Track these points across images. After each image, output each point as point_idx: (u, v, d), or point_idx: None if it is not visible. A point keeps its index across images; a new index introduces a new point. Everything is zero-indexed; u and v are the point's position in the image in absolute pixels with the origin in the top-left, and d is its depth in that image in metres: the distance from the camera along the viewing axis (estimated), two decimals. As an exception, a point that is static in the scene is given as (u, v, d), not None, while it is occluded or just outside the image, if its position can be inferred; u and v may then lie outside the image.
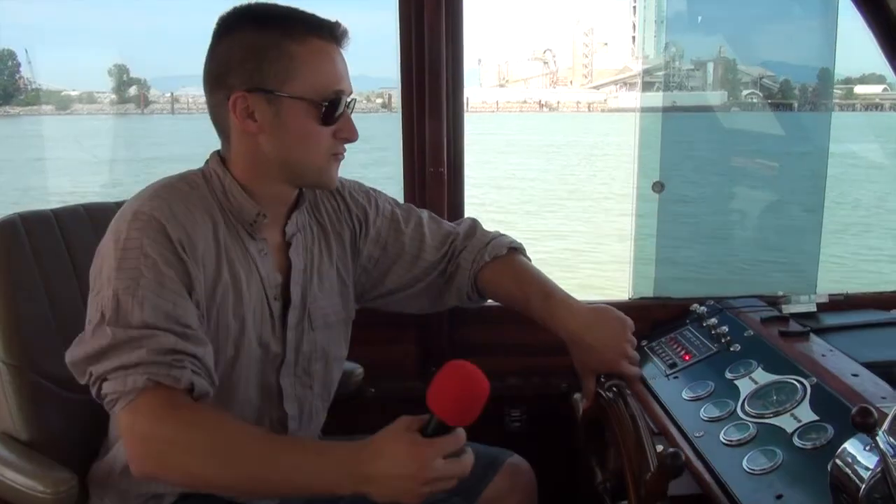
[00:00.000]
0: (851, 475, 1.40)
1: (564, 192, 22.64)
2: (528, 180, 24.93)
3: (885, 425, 1.44)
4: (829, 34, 3.06)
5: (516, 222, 16.88)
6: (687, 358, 2.38)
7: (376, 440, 1.46)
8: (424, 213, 2.12)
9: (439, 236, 2.09)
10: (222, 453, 1.50)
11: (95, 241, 1.99)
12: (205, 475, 1.51)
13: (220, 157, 1.77)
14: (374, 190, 2.09)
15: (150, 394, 1.49)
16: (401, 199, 2.64)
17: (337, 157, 1.76)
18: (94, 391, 1.55)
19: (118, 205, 2.14)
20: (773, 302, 2.62)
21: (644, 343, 2.59)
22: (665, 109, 3.67)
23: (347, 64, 1.74)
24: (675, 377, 2.32)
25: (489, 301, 2.12)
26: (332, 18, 1.71)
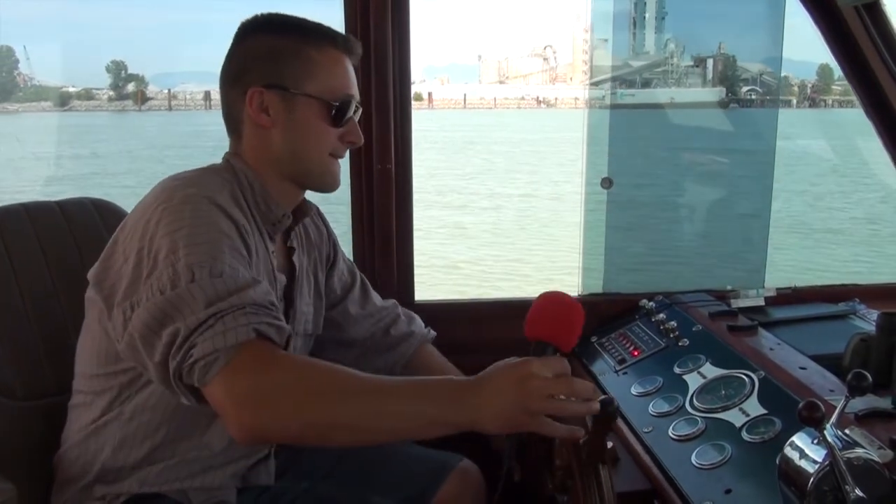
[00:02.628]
0: (800, 468, 1.40)
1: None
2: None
3: (833, 418, 1.44)
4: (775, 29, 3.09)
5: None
6: (636, 353, 2.39)
7: (482, 373, 1.47)
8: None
9: (381, 310, 2.28)
10: (335, 393, 1.45)
11: (36, 242, 1.94)
12: (322, 418, 1.45)
13: (236, 155, 1.83)
14: None
15: (251, 347, 1.45)
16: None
17: (337, 158, 1.85)
18: (174, 362, 1.45)
19: (59, 204, 2.11)
20: (722, 296, 2.64)
21: (594, 339, 2.59)
22: (613, 106, 3.66)
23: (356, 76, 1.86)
24: (625, 373, 2.32)
25: (443, 297, 2.16)
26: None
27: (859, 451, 1.39)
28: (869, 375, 1.48)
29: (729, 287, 2.66)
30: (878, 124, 2.75)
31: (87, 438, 1.76)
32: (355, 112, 1.84)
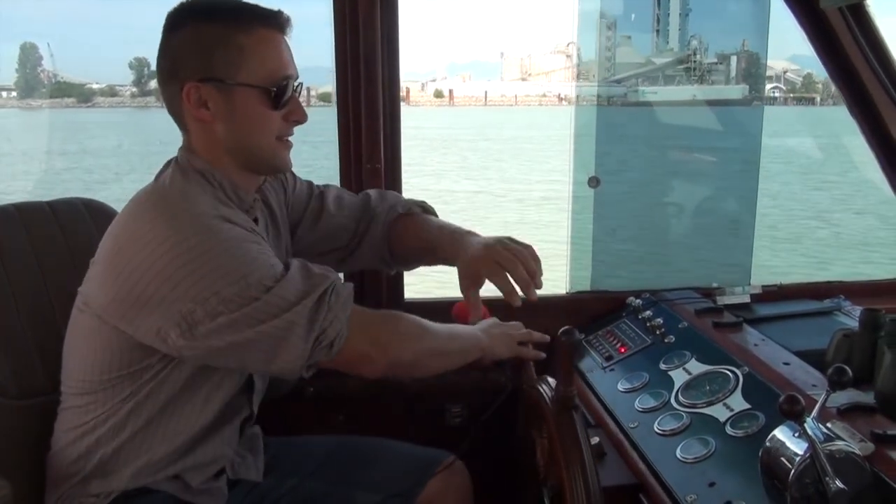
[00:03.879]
0: (781, 461, 1.42)
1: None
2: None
3: (814, 412, 1.47)
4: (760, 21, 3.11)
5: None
6: (623, 350, 2.41)
7: (485, 327, 2.01)
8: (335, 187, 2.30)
9: (356, 198, 2.25)
10: (418, 328, 1.85)
11: (28, 242, 1.95)
12: (425, 346, 1.85)
13: (190, 150, 1.81)
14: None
15: (353, 311, 1.72)
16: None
17: (285, 141, 1.83)
18: (309, 349, 1.65)
19: (50, 204, 2.12)
20: (708, 294, 2.66)
21: (582, 336, 2.60)
22: (601, 104, 3.68)
23: (291, 49, 1.81)
24: (612, 369, 2.34)
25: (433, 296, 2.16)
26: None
27: (840, 444, 1.42)
28: (849, 370, 1.50)
29: (715, 284, 2.68)
30: (862, 123, 2.78)
31: (81, 438, 1.77)
32: (296, 90, 1.80)
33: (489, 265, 1.91)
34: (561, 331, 1.66)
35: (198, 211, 1.66)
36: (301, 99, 1.83)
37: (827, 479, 1.33)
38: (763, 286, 2.71)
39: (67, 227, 2.10)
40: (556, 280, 2.65)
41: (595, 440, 1.87)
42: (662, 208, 3.40)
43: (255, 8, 1.76)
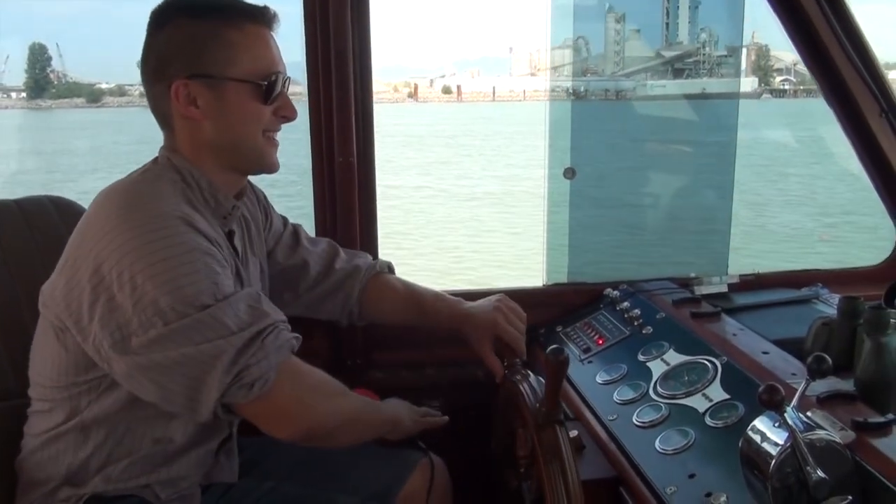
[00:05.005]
0: (761, 451, 1.41)
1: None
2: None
3: (794, 401, 1.45)
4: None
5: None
6: (601, 342, 2.39)
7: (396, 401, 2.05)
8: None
9: (321, 240, 2.29)
10: (343, 392, 1.81)
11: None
12: (346, 411, 1.81)
13: (174, 149, 1.79)
14: None
15: (287, 363, 1.65)
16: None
17: (272, 139, 1.82)
18: (222, 385, 1.57)
19: (18, 203, 2.08)
20: (686, 284, 2.64)
21: (559, 328, 2.59)
22: (576, 97, 3.67)
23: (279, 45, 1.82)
24: (590, 362, 2.32)
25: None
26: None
27: (820, 432, 1.41)
28: (828, 358, 1.49)
29: (692, 274, 2.67)
30: (839, 112, 2.78)
31: (48, 444, 1.74)
32: (284, 85, 1.79)
33: (502, 326, 2.02)
34: (549, 350, 1.58)
35: (157, 210, 1.62)
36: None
37: (808, 468, 1.32)
38: (740, 275, 2.70)
39: (35, 225, 2.07)
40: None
41: (574, 433, 1.85)
42: (641, 200, 3.40)
43: (243, 4, 1.76)
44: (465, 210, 18.21)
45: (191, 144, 1.76)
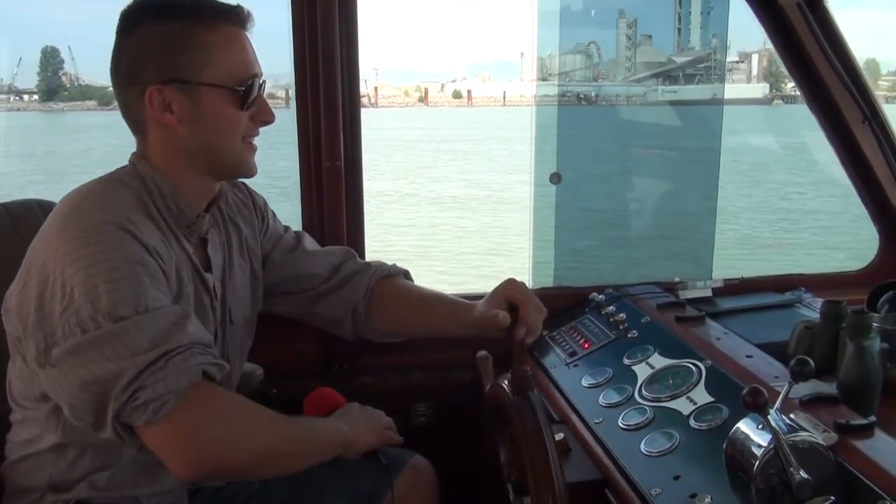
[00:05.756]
0: (745, 453, 1.42)
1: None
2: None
3: (777, 404, 1.46)
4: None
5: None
6: (586, 346, 2.40)
7: (343, 415, 1.91)
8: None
9: (335, 248, 2.20)
10: (268, 427, 1.63)
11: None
12: (262, 450, 1.62)
13: (142, 156, 1.72)
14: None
15: (197, 387, 1.51)
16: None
17: (251, 144, 1.76)
18: (117, 403, 1.45)
19: (5, 206, 2.07)
20: (670, 288, 2.66)
21: (545, 333, 2.59)
22: (561, 103, 3.69)
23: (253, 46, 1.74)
24: (576, 365, 2.33)
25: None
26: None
27: (804, 434, 1.42)
28: (811, 361, 1.51)
29: (677, 279, 2.69)
30: (821, 117, 2.81)
31: (30, 453, 1.70)
32: (260, 88, 1.72)
33: (520, 291, 1.89)
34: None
35: (97, 217, 1.55)
36: (278, 99, 1.79)
37: (791, 469, 1.33)
38: (725, 279, 2.72)
39: (23, 229, 2.05)
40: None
41: (560, 436, 1.86)
42: (625, 204, 3.42)
43: (216, 4, 1.69)
44: (423, 214, 18.17)
45: (164, 150, 1.69)
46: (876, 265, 2.98)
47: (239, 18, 1.69)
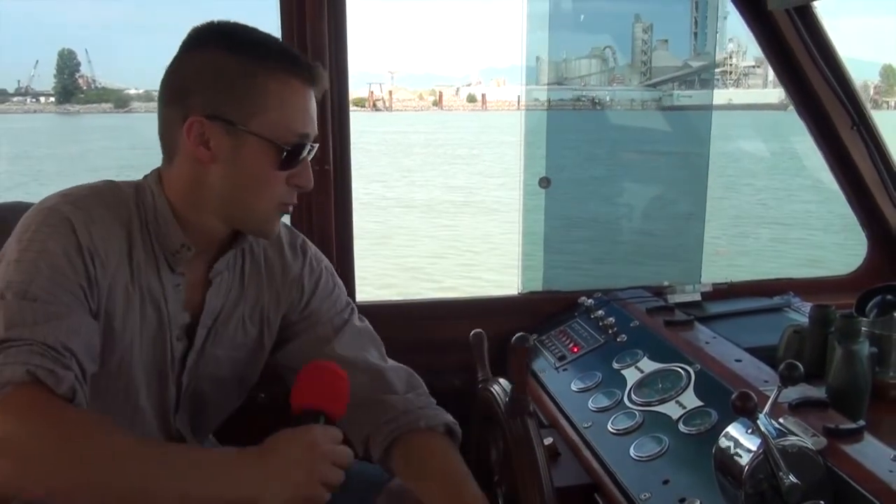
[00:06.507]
0: (735, 457, 1.42)
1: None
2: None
3: (766, 408, 1.46)
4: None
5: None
6: (576, 350, 2.40)
7: (262, 445, 1.37)
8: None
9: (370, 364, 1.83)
10: (93, 457, 1.29)
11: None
12: (70, 482, 1.28)
13: (158, 175, 1.61)
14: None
15: (23, 390, 1.30)
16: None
17: (286, 207, 1.61)
18: None
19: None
20: (659, 292, 2.67)
21: (534, 337, 2.60)
22: (551, 107, 3.69)
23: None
24: (565, 369, 2.33)
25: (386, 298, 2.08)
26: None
27: (793, 438, 1.42)
28: (800, 365, 1.51)
29: (666, 283, 2.69)
30: (810, 123, 2.82)
31: None
32: (309, 152, 1.58)
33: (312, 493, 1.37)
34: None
35: (56, 203, 1.49)
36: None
37: (780, 474, 1.33)
38: (713, 284, 2.73)
39: (10, 231, 2.05)
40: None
41: (549, 441, 1.85)
42: (614, 209, 3.43)
43: (291, 52, 1.57)
44: (384, 218, 18.15)
45: (187, 182, 1.56)
46: (864, 269, 2.99)
47: (309, 74, 1.57)
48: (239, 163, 1.52)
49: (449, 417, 1.75)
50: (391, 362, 1.86)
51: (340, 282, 1.90)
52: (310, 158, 1.59)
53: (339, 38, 2.52)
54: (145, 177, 1.62)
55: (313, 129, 1.58)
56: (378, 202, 20.22)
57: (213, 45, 1.53)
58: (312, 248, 1.90)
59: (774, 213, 17.59)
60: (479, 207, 19.81)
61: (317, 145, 1.61)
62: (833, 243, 11.18)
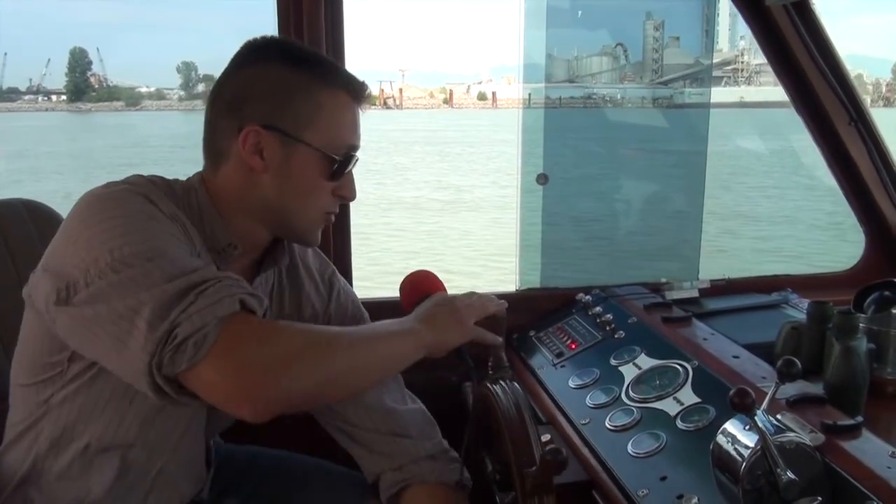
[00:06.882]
0: (732, 454, 1.41)
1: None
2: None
3: (764, 404, 1.46)
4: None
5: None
6: (573, 346, 2.40)
7: (419, 310, 1.68)
8: None
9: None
10: (328, 346, 1.46)
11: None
12: (327, 372, 1.45)
13: (201, 178, 1.66)
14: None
15: (237, 319, 1.37)
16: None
17: (330, 216, 1.70)
18: (154, 348, 1.31)
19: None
20: (657, 289, 2.67)
21: (531, 333, 2.60)
22: (548, 105, 3.67)
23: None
24: (563, 366, 2.33)
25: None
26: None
27: (791, 435, 1.42)
28: (798, 362, 1.50)
29: (663, 279, 2.69)
30: (808, 119, 2.82)
31: (17, 441, 1.64)
32: (354, 164, 1.67)
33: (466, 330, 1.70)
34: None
35: (123, 188, 1.51)
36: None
37: (778, 470, 1.33)
38: (711, 280, 2.73)
39: (8, 228, 2.06)
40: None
41: (546, 437, 1.85)
42: (611, 205, 3.43)
43: (343, 70, 1.67)
44: (368, 214, 18.18)
45: (235, 188, 1.62)
46: (862, 266, 2.99)
47: (359, 92, 1.66)
48: (289, 172, 1.60)
49: (461, 473, 1.79)
50: (410, 405, 1.95)
51: (367, 315, 2.00)
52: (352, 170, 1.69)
53: (336, 33, 2.52)
54: (189, 178, 1.66)
55: (359, 143, 1.67)
56: (366, 199, 20.38)
57: (271, 58, 1.61)
58: (340, 280, 2.01)
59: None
60: (467, 205, 19.89)
61: (358, 158, 1.69)
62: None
